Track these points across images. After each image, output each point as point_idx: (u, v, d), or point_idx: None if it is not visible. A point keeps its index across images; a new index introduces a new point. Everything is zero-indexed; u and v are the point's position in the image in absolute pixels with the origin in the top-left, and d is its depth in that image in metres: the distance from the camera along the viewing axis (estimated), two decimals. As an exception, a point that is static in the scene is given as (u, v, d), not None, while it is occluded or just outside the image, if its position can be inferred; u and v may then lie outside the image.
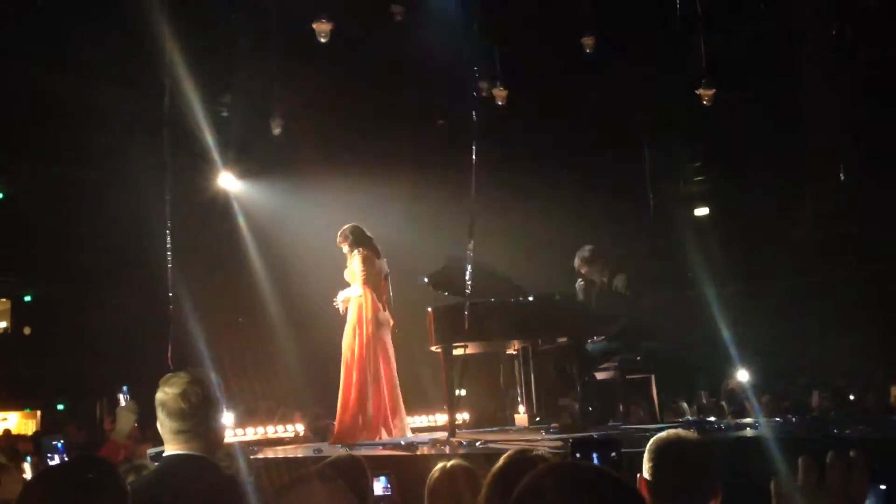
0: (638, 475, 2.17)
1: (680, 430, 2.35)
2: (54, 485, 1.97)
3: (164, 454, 2.53)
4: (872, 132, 10.00)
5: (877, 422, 6.42)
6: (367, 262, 6.52)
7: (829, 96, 9.90)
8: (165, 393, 2.53)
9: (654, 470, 2.19)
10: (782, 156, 10.71)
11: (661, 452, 2.24)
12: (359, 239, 6.62)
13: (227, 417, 7.33)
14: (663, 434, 2.34)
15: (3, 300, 13.22)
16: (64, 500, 1.90)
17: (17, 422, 12.97)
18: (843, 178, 10.15)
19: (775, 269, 10.79)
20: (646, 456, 2.24)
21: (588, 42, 7.84)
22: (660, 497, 2.11)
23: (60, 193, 9.56)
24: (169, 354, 6.40)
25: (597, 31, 7.85)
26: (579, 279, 7.02)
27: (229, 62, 9.25)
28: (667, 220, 11.89)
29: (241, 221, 9.46)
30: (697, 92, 7.55)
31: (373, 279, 6.55)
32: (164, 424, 2.51)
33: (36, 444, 7.71)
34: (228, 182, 10.65)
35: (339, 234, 6.72)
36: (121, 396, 3.32)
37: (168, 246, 7.16)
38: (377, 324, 6.47)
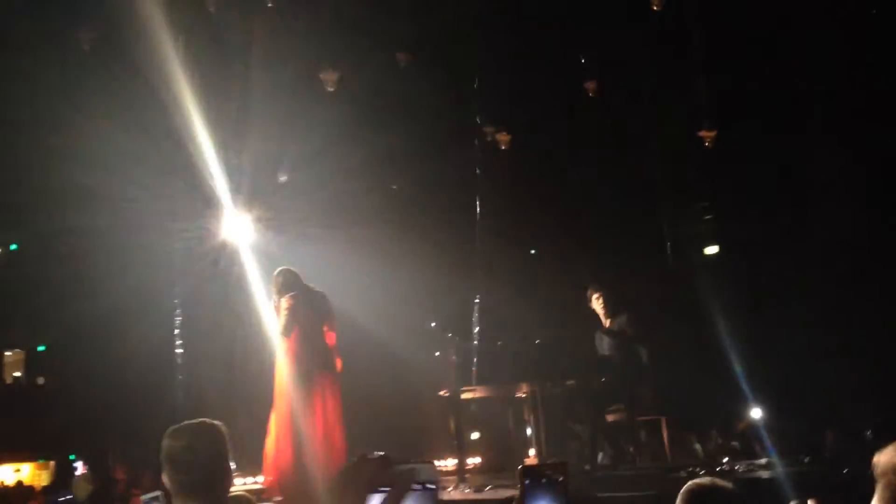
0: None
1: (716, 479, 2.38)
2: None
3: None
4: (878, 163, 10.00)
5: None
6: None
7: (830, 133, 9.93)
8: (173, 444, 2.51)
9: None
10: (788, 191, 10.71)
11: (694, 498, 2.28)
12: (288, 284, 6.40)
13: (233, 465, 7.32)
14: (699, 480, 2.38)
15: (17, 350, 13.29)
16: None
17: (30, 473, 12.94)
18: (847, 210, 10.13)
19: (787, 306, 10.73)
20: (679, 499, 2.28)
21: (590, 87, 7.94)
22: None
23: (71, 242, 9.64)
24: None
25: (599, 75, 7.96)
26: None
27: (240, 109, 9.38)
28: (677, 260, 11.88)
29: (250, 269, 9.51)
30: (700, 134, 7.63)
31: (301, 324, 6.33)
32: (171, 477, 2.48)
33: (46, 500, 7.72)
34: (238, 229, 10.74)
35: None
36: (78, 465, 3.34)
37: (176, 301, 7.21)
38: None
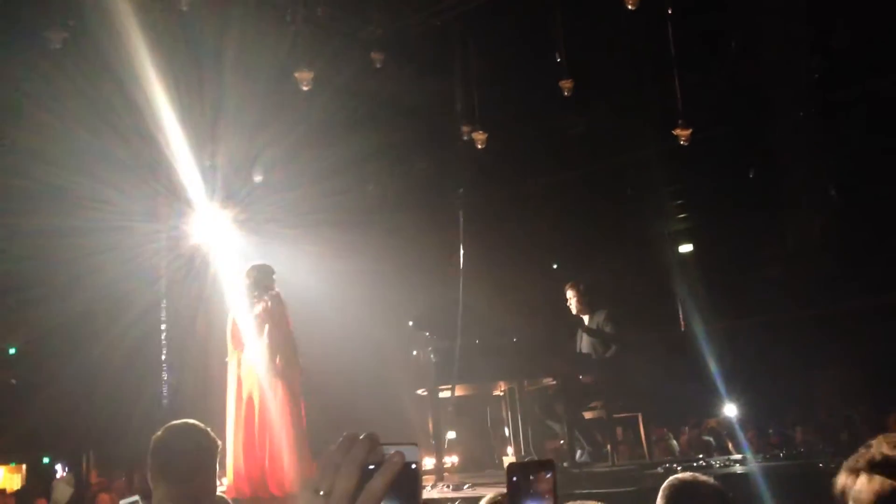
0: None
1: (697, 474, 2.39)
2: None
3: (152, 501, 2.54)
4: (848, 170, 10.12)
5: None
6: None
7: (804, 132, 10.03)
8: (168, 434, 2.59)
9: None
10: (761, 192, 10.82)
11: (676, 493, 2.29)
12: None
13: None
14: (680, 476, 2.38)
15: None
16: None
17: (2, 476, 12.75)
18: (819, 213, 10.26)
19: (759, 304, 10.85)
20: (660, 494, 2.29)
21: (566, 85, 7.95)
22: None
23: (43, 243, 9.52)
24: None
25: (574, 73, 7.97)
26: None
27: (213, 110, 9.30)
28: (651, 258, 11.97)
29: (225, 270, 9.46)
30: (674, 132, 7.67)
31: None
32: (157, 468, 2.52)
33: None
34: (213, 230, 10.67)
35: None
36: (58, 468, 3.35)
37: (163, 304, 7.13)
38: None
